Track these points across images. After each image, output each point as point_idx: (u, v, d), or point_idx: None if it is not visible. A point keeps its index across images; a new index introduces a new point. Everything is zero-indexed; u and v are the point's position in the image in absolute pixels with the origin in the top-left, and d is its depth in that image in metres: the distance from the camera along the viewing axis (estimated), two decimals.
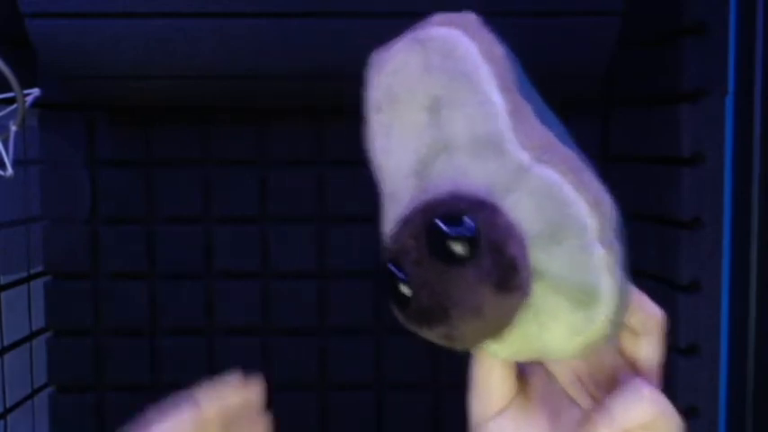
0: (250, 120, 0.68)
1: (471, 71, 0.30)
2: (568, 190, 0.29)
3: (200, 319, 0.69)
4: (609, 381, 0.33)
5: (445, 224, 0.29)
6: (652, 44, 0.62)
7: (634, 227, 0.65)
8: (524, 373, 0.36)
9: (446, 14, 0.32)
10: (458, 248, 0.29)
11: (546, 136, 0.30)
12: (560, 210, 0.29)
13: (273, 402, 0.72)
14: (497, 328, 0.30)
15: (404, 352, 0.69)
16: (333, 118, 0.67)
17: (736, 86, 0.56)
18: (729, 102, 0.56)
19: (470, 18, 0.32)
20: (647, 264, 0.62)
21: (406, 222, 0.31)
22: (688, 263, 0.58)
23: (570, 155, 0.29)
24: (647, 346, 0.32)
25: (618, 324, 0.30)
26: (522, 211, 0.30)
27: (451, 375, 0.70)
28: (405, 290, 0.30)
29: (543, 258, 0.29)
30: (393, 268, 0.31)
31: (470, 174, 0.31)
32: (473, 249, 0.29)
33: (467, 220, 0.29)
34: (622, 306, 0.29)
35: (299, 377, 0.70)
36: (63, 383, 0.69)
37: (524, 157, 0.29)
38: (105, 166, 0.68)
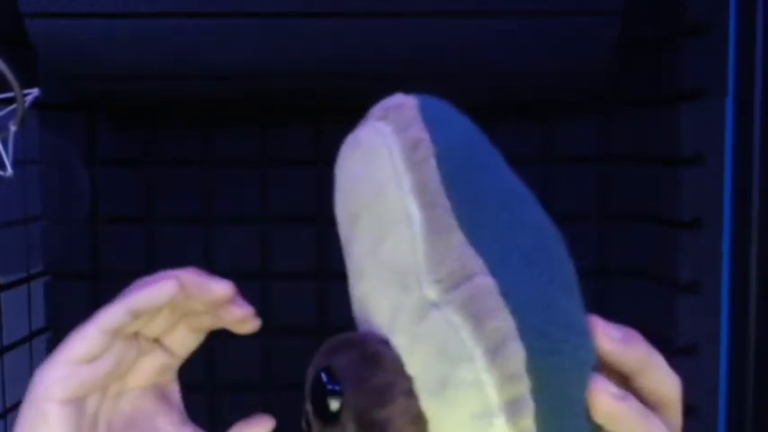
0: (250, 120, 0.68)
1: (390, 183, 0.27)
2: (466, 339, 0.24)
3: None
4: None
5: (323, 381, 0.27)
6: (652, 45, 0.62)
7: (634, 227, 0.65)
8: None
9: (385, 103, 0.29)
10: (330, 409, 0.27)
11: (465, 260, 0.25)
12: (451, 367, 0.24)
13: (274, 402, 0.72)
14: None
15: None
16: (333, 118, 0.67)
17: (736, 87, 0.56)
18: (729, 102, 0.56)
19: (409, 107, 0.28)
20: (647, 264, 0.62)
21: (309, 370, 0.29)
22: (688, 263, 0.58)
23: (486, 288, 0.24)
24: None
25: None
26: (415, 360, 0.26)
27: None
28: None
29: (438, 417, 0.25)
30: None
31: (375, 309, 0.28)
32: (340, 413, 0.26)
33: (336, 382, 0.27)
34: None
35: (299, 378, 0.69)
36: None
37: (428, 293, 0.25)
38: (105, 165, 0.68)
